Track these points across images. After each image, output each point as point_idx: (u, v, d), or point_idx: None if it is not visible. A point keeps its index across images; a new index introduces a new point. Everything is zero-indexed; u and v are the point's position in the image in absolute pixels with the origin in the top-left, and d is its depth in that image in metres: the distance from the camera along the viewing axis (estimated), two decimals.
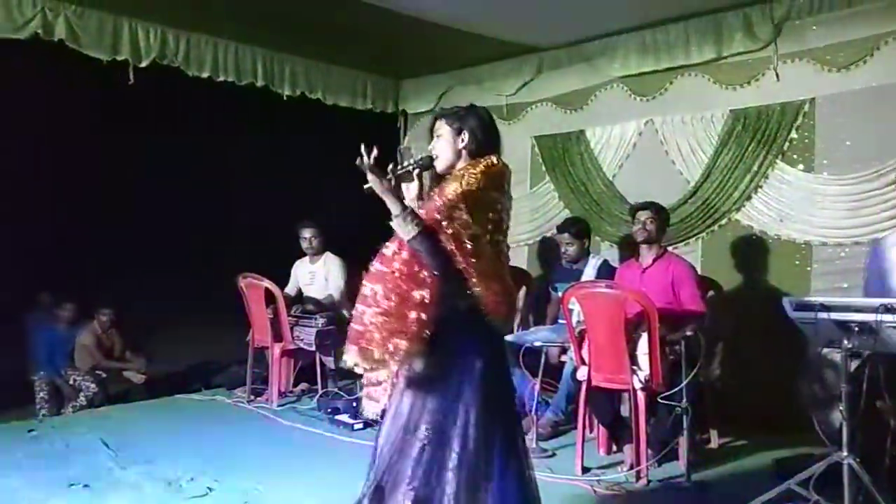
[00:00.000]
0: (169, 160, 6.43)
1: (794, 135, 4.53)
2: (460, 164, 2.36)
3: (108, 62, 4.68)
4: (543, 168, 5.77)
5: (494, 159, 2.33)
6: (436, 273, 2.19)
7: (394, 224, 2.20)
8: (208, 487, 3.57)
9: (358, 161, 2.22)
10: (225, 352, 6.53)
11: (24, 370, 6.28)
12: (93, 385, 5.89)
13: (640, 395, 3.65)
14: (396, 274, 2.21)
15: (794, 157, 4.54)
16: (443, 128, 2.40)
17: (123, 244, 6.26)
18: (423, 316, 2.17)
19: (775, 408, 4.14)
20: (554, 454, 4.11)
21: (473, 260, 2.20)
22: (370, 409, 2.37)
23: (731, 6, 4.56)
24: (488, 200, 2.26)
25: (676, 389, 3.55)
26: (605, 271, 4.58)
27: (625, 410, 3.94)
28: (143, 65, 4.79)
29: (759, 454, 4.00)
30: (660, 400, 3.62)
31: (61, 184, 6.30)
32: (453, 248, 2.18)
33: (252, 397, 5.45)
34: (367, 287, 2.23)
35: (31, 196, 6.24)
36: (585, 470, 3.80)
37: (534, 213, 5.84)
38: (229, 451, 4.23)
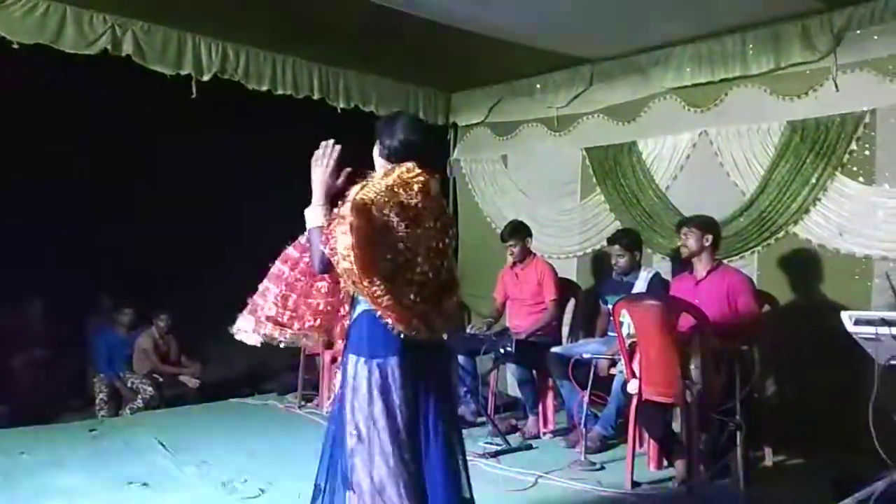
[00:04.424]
0: (224, 170, 6.60)
1: (853, 146, 4.41)
2: (379, 172, 2.32)
3: (172, 77, 4.84)
4: (594, 180, 5.74)
5: (409, 166, 2.27)
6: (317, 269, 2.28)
7: (307, 210, 2.32)
8: (260, 489, 3.66)
9: (323, 145, 2.32)
10: (277, 358, 6.65)
11: (84, 372, 6.52)
12: (150, 388, 6.08)
13: (693, 410, 3.60)
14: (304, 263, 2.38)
15: (854, 169, 4.42)
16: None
17: (181, 251, 6.43)
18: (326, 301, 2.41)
19: (833, 425, 4.03)
20: (602, 468, 4.08)
21: (352, 267, 2.13)
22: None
23: (789, 17, 4.49)
24: (378, 216, 2.16)
25: (730, 405, 3.49)
26: (657, 284, 4.54)
27: (676, 425, 3.89)
28: (205, 79, 4.94)
29: (816, 473, 3.87)
30: (713, 415, 3.56)
31: (122, 191, 6.52)
32: (331, 250, 2.18)
33: (303, 403, 5.55)
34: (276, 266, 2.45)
35: (94, 202, 6.46)
36: (635, 485, 3.77)
37: (584, 225, 5.81)
38: (281, 454, 4.32)
